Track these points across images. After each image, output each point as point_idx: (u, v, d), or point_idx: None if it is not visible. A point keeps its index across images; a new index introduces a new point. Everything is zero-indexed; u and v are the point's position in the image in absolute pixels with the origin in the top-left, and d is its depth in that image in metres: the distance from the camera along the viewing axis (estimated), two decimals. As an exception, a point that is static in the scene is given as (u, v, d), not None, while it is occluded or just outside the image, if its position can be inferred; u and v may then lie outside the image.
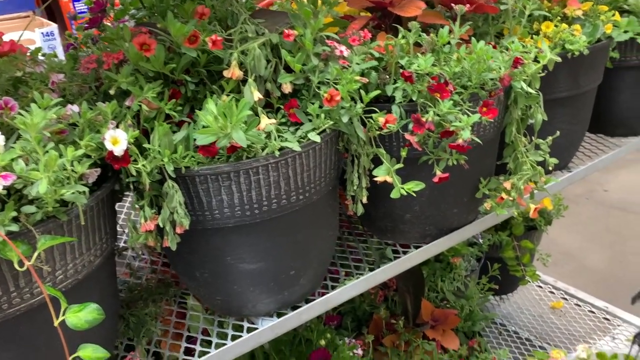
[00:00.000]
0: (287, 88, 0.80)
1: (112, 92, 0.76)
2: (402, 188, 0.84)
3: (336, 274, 1.02)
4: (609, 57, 1.25)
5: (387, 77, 0.90)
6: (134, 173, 0.71)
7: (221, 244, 0.81)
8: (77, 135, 0.69)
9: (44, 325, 0.64)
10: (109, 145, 0.66)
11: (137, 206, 0.74)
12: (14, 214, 0.58)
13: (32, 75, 0.84)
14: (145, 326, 0.94)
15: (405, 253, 1.04)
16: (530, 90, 0.95)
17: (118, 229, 0.85)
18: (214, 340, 0.87)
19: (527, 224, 1.88)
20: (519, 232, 1.84)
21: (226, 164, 0.74)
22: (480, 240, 1.79)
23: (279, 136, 0.77)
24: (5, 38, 0.88)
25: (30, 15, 2.47)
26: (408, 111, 0.87)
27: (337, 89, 0.78)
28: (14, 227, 0.58)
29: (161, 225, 0.75)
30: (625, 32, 1.21)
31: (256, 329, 0.87)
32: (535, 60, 0.96)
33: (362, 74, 0.84)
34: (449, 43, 0.91)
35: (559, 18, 1.16)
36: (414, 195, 0.86)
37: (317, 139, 0.78)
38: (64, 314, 0.57)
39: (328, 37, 0.85)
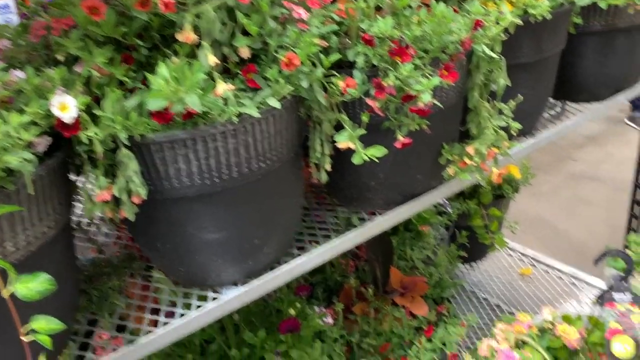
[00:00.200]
0: (245, 53, 0.78)
1: (61, 58, 0.73)
2: (365, 154, 0.83)
3: (303, 242, 1.02)
4: (572, 23, 1.26)
5: (349, 41, 0.89)
6: (86, 141, 0.69)
7: (182, 214, 0.80)
8: (23, 103, 0.66)
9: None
10: (56, 112, 0.64)
11: (90, 175, 0.72)
12: (-44, 183, 0.56)
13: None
14: (109, 300, 0.92)
15: (371, 220, 1.05)
16: (492, 54, 0.94)
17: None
18: (178, 311, 0.86)
19: (495, 193, 1.90)
20: (487, 201, 1.86)
21: (182, 131, 0.72)
22: (449, 209, 1.80)
23: (237, 102, 0.75)
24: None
25: (-14, -12, 2.36)
26: (370, 77, 0.86)
27: (295, 53, 0.77)
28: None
29: (117, 195, 0.73)
30: (588, -4, 1.21)
31: (221, 299, 0.87)
32: (497, 23, 0.95)
33: (322, 38, 0.83)
34: (409, 6, 0.90)
35: (522, -17, 1.15)
36: (377, 161, 0.86)
37: (277, 104, 0.77)
38: (13, 285, 0.56)
39: None
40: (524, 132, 1.28)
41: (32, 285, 0.57)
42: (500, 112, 1.04)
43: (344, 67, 0.87)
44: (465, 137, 1.07)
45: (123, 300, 0.93)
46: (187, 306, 0.88)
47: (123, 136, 0.70)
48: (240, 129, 0.75)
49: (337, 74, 0.83)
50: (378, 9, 0.91)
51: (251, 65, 0.78)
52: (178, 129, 0.73)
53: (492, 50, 0.94)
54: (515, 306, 1.87)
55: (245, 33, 0.79)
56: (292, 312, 1.22)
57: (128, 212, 0.75)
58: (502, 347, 1.32)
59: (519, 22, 0.97)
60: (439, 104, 0.87)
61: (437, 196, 1.11)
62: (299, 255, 0.96)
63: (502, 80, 0.99)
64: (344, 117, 0.85)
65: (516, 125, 1.04)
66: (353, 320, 1.37)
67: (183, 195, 0.77)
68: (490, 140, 1.00)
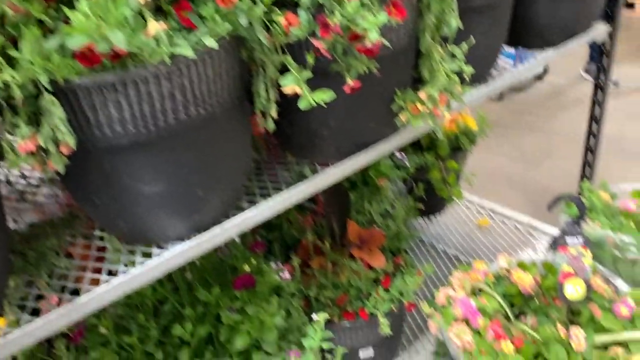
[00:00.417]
0: (178, -11, 0.73)
1: (-31, -5, 0.66)
2: (312, 98, 0.79)
3: (254, 196, 0.98)
4: (525, -35, 1.23)
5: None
6: (1, 85, 0.62)
7: (117, 164, 0.75)
8: None
9: None
10: (-37, 52, 0.58)
11: (10, 124, 0.66)
12: None
13: None
14: (47, 260, 0.88)
15: (323, 171, 1.02)
16: (442, -8, 0.91)
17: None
18: (121, 268, 0.82)
19: (453, 145, 1.90)
20: (445, 153, 1.85)
21: (110, 73, 0.67)
22: (407, 163, 1.79)
23: (170, 42, 0.70)
24: None
25: None
26: (315, 16, 0.82)
27: (232, -11, 0.71)
28: None
29: (43, 145, 0.68)
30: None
31: (165, 254, 0.83)
32: (448, -40, 0.91)
33: (263, -26, 0.77)
34: (356, -60, 0.85)
35: None
36: (327, 107, 0.82)
37: (214, 44, 0.71)
38: None
39: None
40: (479, 79, 1.26)
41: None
42: (453, 55, 1.01)
43: (289, 5, 0.82)
44: (418, 83, 1.04)
45: (63, 261, 0.88)
46: (131, 263, 0.84)
47: (44, 80, 0.64)
48: (175, 72, 0.70)
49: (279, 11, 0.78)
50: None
51: (185, 2, 0.73)
52: (106, 72, 0.67)
53: (443, -11, 0.91)
54: (473, 256, 1.90)
55: (178, -33, 0.73)
56: (246, 268, 1.20)
57: (57, 164, 0.69)
58: (459, 295, 1.33)
59: (471, -41, 0.94)
60: (387, 43, 0.84)
61: (391, 145, 1.09)
62: (249, 208, 0.93)
63: (454, 22, 0.96)
64: (289, 60, 0.80)
65: (469, 70, 1.02)
66: (310, 274, 1.36)
67: (117, 145, 0.72)
68: (442, 84, 0.97)
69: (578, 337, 1.17)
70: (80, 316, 0.75)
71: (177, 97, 0.72)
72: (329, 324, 1.29)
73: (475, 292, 1.40)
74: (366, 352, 1.35)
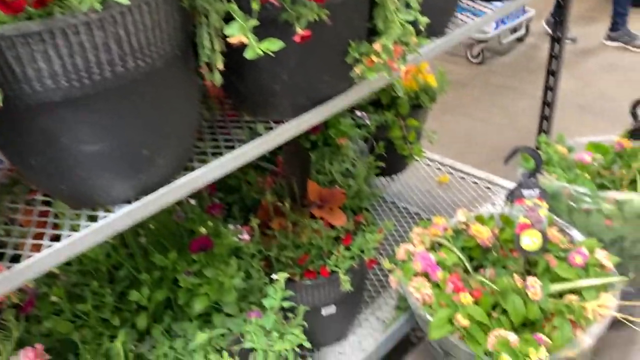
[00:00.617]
0: None
1: None
2: (259, 48, 0.76)
3: (204, 155, 0.94)
4: None
5: None
6: None
7: (51, 122, 0.70)
8: None
9: None
10: None
11: None
12: None
13: None
14: (-16, 227, 0.83)
15: (277, 128, 0.98)
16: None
17: None
18: (64, 232, 0.78)
19: (413, 103, 1.88)
20: (405, 111, 1.84)
21: (35, 22, 0.62)
22: (368, 122, 1.77)
23: (101, -12, 0.65)
24: None
25: None
26: (261, -39, 0.77)
27: None
28: None
29: (-34, 102, 0.63)
30: None
31: (110, 217, 0.79)
32: None
33: None
34: None
35: None
36: (276, 58, 0.79)
37: (150, -10, 0.67)
38: None
39: None
40: (436, 32, 1.24)
41: None
42: (408, 5, 0.98)
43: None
44: (373, 35, 1.01)
45: (2, 227, 0.83)
46: (76, 228, 0.80)
47: (-40, 29, 0.59)
48: (108, 19, 0.65)
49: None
50: None
51: (116, -56, 0.67)
52: (32, 21, 0.62)
53: None
54: (434, 213, 1.92)
55: None
56: (203, 231, 1.17)
57: (-18, 122, 0.65)
58: (419, 250, 1.34)
59: None
60: (337, -10, 0.80)
61: (347, 100, 1.06)
62: (199, 168, 0.89)
63: (408, -31, 0.93)
64: (233, 7, 0.76)
65: (424, 20, 0.99)
66: (271, 235, 1.34)
67: (49, 101, 0.68)
68: (397, 35, 0.94)
69: (534, 286, 1.19)
70: (19, 283, 0.71)
71: (112, 48, 0.67)
72: (290, 283, 1.28)
73: (435, 247, 1.41)
74: (328, 310, 1.36)
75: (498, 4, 1.38)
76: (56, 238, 0.78)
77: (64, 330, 1.06)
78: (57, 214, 0.85)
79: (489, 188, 2.00)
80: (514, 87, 3.17)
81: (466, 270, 1.33)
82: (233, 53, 0.81)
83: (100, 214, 0.81)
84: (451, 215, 1.78)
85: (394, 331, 1.47)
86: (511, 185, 1.99)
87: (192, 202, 1.30)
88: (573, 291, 1.25)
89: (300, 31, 0.81)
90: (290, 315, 1.19)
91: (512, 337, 1.14)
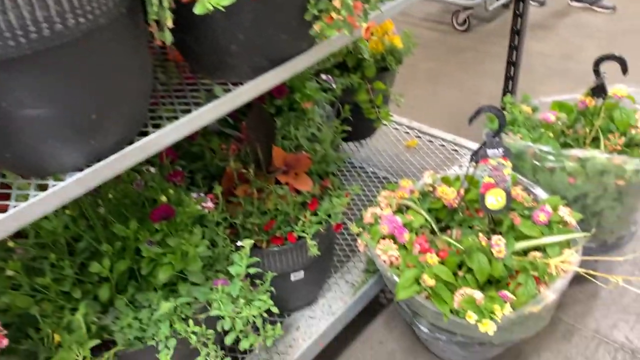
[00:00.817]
0: None
1: None
2: (208, 2, 0.72)
3: (159, 119, 0.91)
4: None
5: None
6: None
7: (-12, 85, 0.66)
8: None
9: None
10: None
11: None
12: None
13: None
14: None
15: (235, 89, 0.95)
16: None
17: None
18: (11, 203, 0.75)
19: (379, 65, 1.86)
20: (371, 74, 1.81)
21: (-40, -26, 0.57)
22: (334, 85, 1.74)
23: (33, -62, 0.60)
24: None
25: None
26: None
27: None
28: None
29: None
30: None
31: (60, 185, 0.76)
32: None
33: None
34: None
35: None
36: (231, 16, 0.75)
37: (87, -60, 0.62)
38: None
39: None
40: (398, -10, 1.21)
41: None
42: (367, -41, 0.95)
43: None
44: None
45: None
46: (24, 198, 0.77)
47: None
48: (42, -28, 0.61)
49: None
50: None
51: None
52: (-45, -27, 0.57)
53: None
54: (402, 177, 1.91)
55: None
56: (164, 199, 1.14)
57: None
58: (385, 213, 1.33)
59: None
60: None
61: (308, 60, 1.03)
62: (154, 133, 0.86)
63: None
64: (180, -39, 0.72)
65: (384, -25, 0.96)
66: (236, 202, 1.32)
67: (-17, 62, 0.63)
68: (356, -10, 0.92)
69: (499, 244, 1.20)
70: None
71: (49, 4, 0.63)
72: (257, 250, 1.27)
73: (402, 209, 1.41)
74: (297, 275, 1.35)
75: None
76: (4, 209, 0.75)
77: (22, 305, 1.03)
78: (5, 183, 0.81)
79: (456, 150, 2.01)
80: (500, 54, 3.17)
81: (433, 232, 1.34)
82: (186, 11, 0.77)
83: (51, 182, 0.78)
84: (419, 179, 1.78)
85: (363, 294, 1.48)
86: (476, 145, 2.01)
87: (153, 170, 1.27)
88: (537, 248, 1.27)
89: (252, -14, 0.78)
90: (258, 282, 1.18)
91: (478, 294, 1.15)
